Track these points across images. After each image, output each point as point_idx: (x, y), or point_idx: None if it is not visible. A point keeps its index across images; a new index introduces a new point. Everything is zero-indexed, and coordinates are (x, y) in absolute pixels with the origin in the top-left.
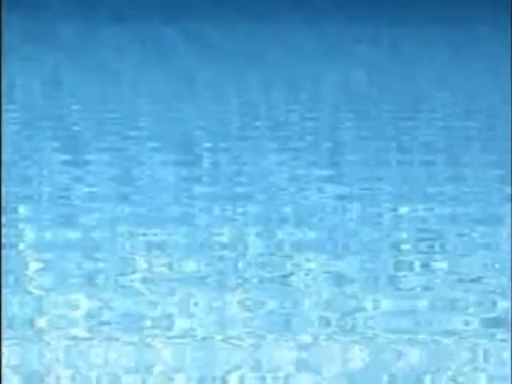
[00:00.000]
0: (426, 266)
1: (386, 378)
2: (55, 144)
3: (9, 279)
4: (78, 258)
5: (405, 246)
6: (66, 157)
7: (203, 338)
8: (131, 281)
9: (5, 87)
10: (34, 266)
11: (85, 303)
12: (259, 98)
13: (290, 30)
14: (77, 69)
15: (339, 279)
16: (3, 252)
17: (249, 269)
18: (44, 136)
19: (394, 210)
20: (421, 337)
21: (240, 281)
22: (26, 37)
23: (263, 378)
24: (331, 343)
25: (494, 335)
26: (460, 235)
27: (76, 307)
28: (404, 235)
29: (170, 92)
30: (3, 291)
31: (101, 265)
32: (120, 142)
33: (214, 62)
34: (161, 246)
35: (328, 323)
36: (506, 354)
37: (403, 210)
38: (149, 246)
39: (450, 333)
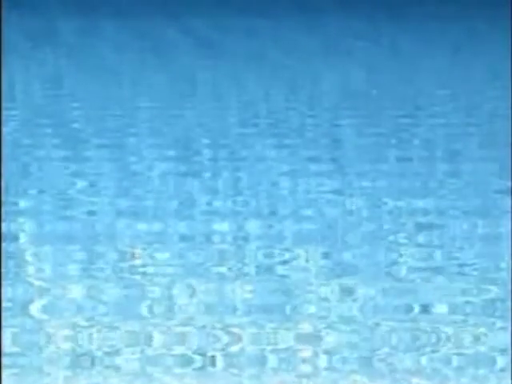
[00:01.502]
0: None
1: None
2: (55, 144)
3: (8, 264)
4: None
5: (403, 240)
6: (66, 157)
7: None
8: (131, 274)
9: (5, 87)
10: (33, 258)
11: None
12: (259, 96)
13: (289, 28)
14: (77, 67)
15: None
16: (3, 245)
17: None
18: (44, 135)
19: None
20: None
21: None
22: (26, 36)
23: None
24: None
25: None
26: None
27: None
28: (403, 229)
29: (169, 91)
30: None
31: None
32: (119, 143)
33: (214, 61)
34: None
35: None
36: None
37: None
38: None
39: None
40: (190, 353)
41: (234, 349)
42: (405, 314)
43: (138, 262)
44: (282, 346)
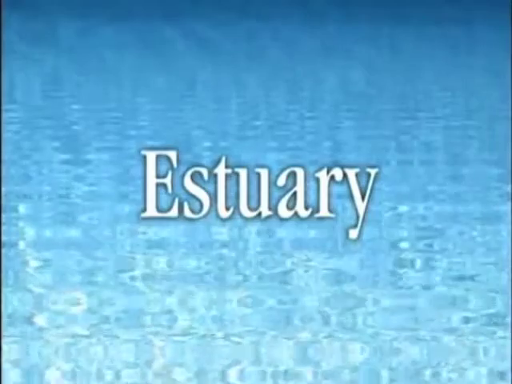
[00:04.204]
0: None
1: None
2: (55, 143)
3: (8, 276)
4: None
5: (404, 245)
6: (65, 156)
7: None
8: (131, 279)
9: (5, 87)
10: (33, 264)
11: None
12: (259, 97)
13: (289, 29)
14: (77, 68)
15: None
16: (3, 250)
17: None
18: (44, 135)
19: (394, 208)
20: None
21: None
22: (26, 36)
23: (263, 373)
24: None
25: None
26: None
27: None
28: (404, 233)
29: (169, 91)
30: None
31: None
32: (119, 141)
33: (215, 61)
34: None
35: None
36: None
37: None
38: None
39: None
40: None
41: None
42: None
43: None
44: None
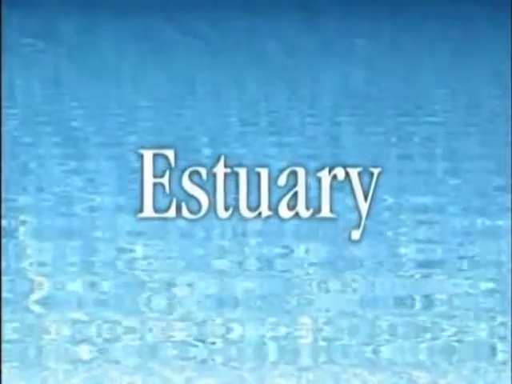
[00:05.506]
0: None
1: None
2: (55, 143)
3: (8, 289)
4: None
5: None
6: (66, 158)
7: None
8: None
9: (5, 85)
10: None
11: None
12: (259, 95)
13: (289, 27)
14: (76, 66)
15: None
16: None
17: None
18: (44, 135)
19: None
20: None
21: None
22: (26, 35)
23: None
24: None
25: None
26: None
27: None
28: (404, 242)
29: (168, 90)
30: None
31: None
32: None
33: (214, 61)
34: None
35: None
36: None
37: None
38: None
39: None
40: None
41: None
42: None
43: None
44: None
